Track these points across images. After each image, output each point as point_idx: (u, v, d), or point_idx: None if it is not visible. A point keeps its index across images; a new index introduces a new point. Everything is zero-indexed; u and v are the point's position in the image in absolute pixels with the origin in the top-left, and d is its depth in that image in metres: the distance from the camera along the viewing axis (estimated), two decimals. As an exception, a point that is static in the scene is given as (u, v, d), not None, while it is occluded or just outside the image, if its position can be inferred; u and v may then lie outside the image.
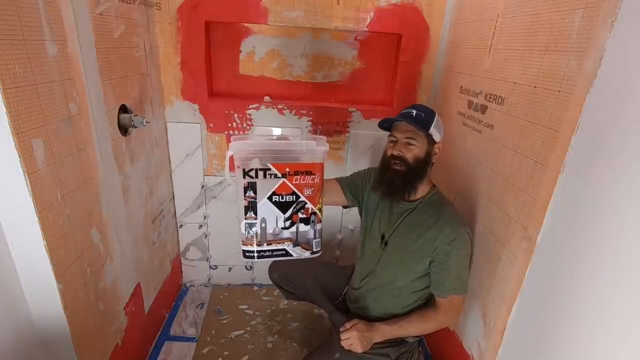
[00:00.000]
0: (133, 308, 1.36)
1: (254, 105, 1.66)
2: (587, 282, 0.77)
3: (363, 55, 1.74)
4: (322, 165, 0.81)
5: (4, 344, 0.86)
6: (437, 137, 1.13)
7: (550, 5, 0.91)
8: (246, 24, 1.65)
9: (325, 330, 1.72)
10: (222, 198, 1.82)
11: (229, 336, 1.69)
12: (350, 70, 1.76)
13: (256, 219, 0.78)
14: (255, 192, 0.76)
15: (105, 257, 1.14)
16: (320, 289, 1.40)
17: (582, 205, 0.79)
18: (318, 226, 0.84)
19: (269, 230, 0.80)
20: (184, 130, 1.67)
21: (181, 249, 1.93)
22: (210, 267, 1.99)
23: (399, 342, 1.22)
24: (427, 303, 1.22)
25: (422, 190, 1.18)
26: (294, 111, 1.68)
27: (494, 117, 1.15)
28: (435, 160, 1.16)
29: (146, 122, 1.24)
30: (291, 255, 0.83)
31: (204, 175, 1.78)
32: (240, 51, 1.70)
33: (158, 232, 1.61)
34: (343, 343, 1.11)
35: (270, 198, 0.76)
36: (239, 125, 1.68)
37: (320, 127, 1.71)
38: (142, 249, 1.44)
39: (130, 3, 1.24)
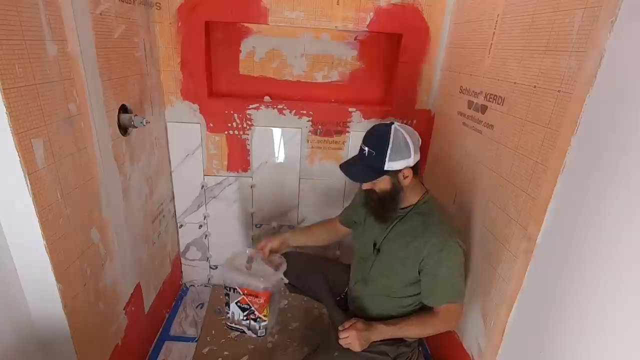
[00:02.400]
0: (133, 308, 1.36)
1: (254, 105, 1.66)
2: (587, 281, 0.77)
3: (363, 55, 1.74)
4: (267, 293, 1.25)
5: (4, 344, 0.86)
6: (399, 165, 1.05)
7: (550, 5, 0.91)
8: (246, 24, 1.65)
9: (325, 330, 1.72)
10: (222, 198, 1.82)
11: (229, 336, 1.68)
12: (350, 70, 1.76)
13: (228, 312, 1.32)
14: (229, 298, 1.29)
15: (105, 257, 1.14)
16: (325, 283, 1.42)
17: (582, 205, 0.79)
18: (262, 323, 1.30)
19: (235, 318, 1.32)
20: (184, 130, 1.67)
21: (181, 249, 1.93)
22: (210, 267, 1.99)
23: (397, 340, 1.22)
24: (425, 305, 1.22)
25: (411, 198, 1.16)
26: (294, 111, 1.68)
27: (494, 117, 1.15)
28: (408, 182, 1.10)
29: (146, 122, 1.24)
30: (245, 334, 1.33)
31: (204, 175, 1.78)
32: (240, 51, 1.70)
33: (158, 232, 1.61)
34: (341, 342, 1.12)
35: (236, 303, 1.29)
36: (239, 125, 1.69)
37: (320, 127, 1.71)
38: (142, 249, 1.44)
39: (130, 3, 1.24)
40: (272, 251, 1.37)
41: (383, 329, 1.14)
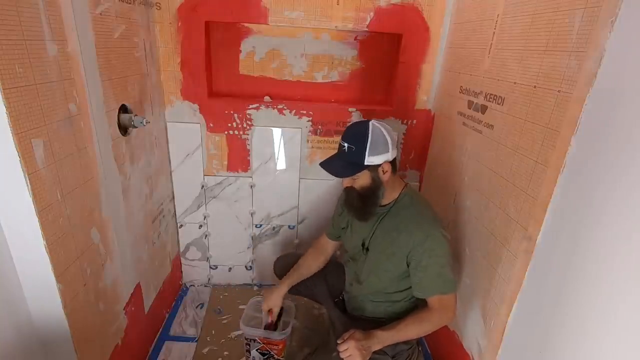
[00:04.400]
0: (133, 308, 1.36)
1: (254, 105, 1.66)
2: (587, 281, 0.77)
3: (363, 55, 1.74)
4: (284, 341, 1.44)
5: (4, 344, 0.86)
6: (378, 160, 1.08)
7: (550, 5, 0.91)
8: (246, 24, 1.65)
9: (325, 330, 1.71)
10: (222, 198, 1.82)
11: (229, 336, 1.69)
12: (350, 70, 1.76)
13: (249, 357, 1.48)
14: (249, 346, 1.45)
15: (105, 257, 1.14)
16: (324, 284, 1.42)
17: (582, 205, 0.79)
18: None
19: None
20: (184, 130, 1.67)
21: (181, 249, 1.93)
22: (210, 267, 2.00)
23: None
24: (419, 303, 1.21)
25: (392, 194, 1.18)
26: (294, 111, 1.68)
27: (494, 117, 1.15)
28: (387, 177, 1.12)
29: (146, 122, 1.24)
30: None
31: (204, 175, 1.77)
32: (240, 51, 1.70)
33: (158, 232, 1.61)
34: (342, 355, 1.07)
35: (256, 350, 1.46)
36: (239, 125, 1.69)
37: (320, 127, 1.71)
38: (142, 249, 1.44)
39: (130, 3, 1.24)
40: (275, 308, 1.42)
41: (382, 335, 1.10)
